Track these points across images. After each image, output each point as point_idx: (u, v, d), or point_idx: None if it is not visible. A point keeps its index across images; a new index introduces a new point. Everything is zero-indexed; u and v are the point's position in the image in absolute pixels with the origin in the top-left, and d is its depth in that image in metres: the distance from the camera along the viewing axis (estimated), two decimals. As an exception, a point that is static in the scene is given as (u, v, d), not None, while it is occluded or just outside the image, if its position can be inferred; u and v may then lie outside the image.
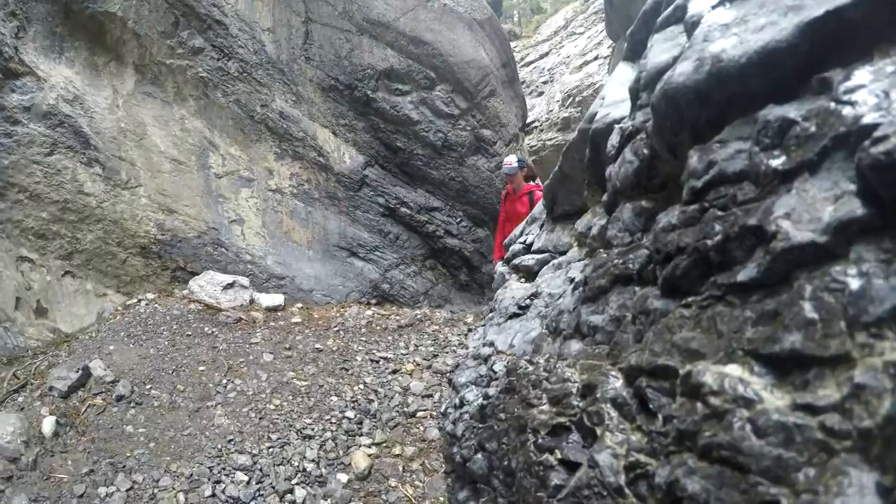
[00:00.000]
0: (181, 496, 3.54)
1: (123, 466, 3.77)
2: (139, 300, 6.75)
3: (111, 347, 5.46)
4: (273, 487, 3.63)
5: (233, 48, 7.33)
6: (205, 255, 7.44)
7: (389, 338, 6.46)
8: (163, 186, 7.23)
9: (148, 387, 4.81)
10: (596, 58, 18.05)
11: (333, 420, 4.47)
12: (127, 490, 3.57)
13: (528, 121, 14.29)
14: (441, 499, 3.58)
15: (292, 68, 7.75)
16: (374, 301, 8.01)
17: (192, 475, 3.66)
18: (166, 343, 5.72)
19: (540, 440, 1.75)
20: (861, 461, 0.87)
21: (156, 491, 3.62)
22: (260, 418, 4.42)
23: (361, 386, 5.11)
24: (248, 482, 3.68)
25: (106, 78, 6.92)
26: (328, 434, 4.26)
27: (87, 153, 6.59)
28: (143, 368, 5.11)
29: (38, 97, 6.08)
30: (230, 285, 6.95)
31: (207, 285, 6.90)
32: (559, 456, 1.64)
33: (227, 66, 7.37)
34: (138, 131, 7.08)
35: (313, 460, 3.94)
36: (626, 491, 1.33)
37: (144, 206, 7.13)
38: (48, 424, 4.06)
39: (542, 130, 17.92)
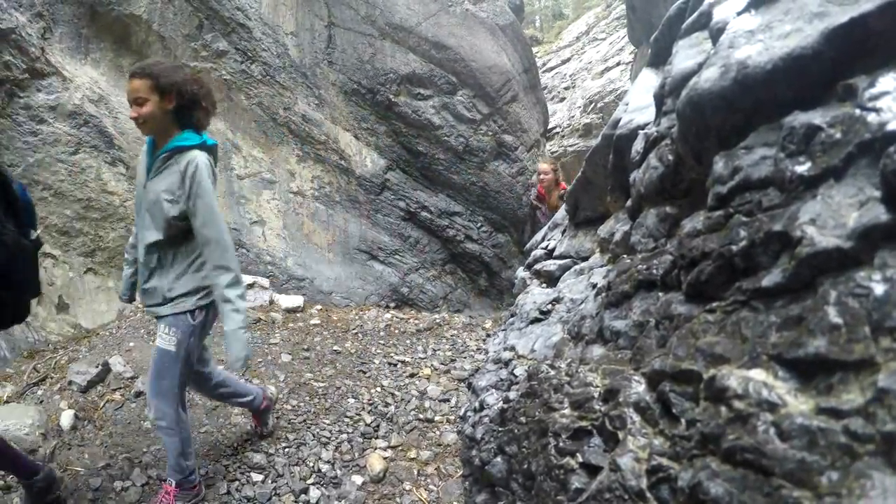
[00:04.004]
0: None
1: (140, 461, 3.80)
2: (160, 299, 6.81)
3: (131, 344, 5.52)
4: (288, 487, 3.64)
5: (256, 51, 7.40)
6: (226, 256, 7.48)
7: (408, 341, 6.48)
8: (185, 187, 7.28)
9: (168, 384, 4.85)
10: (618, 64, 18.02)
11: (349, 422, 4.48)
12: (142, 485, 3.59)
13: (550, 126, 14.29)
14: (455, 503, 3.58)
15: (315, 72, 7.81)
16: (392, 304, 8.03)
17: (207, 473, 3.68)
18: (186, 342, 5.76)
19: (561, 444, 1.76)
20: (884, 464, 0.87)
21: (172, 487, 3.65)
22: (276, 418, 4.43)
23: (378, 389, 5.12)
24: (264, 481, 3.69)
25: (131, 79, 6.99)
26: (344, 436, 4.27)
27: (111, 153, 6.67)
28: (163, 366, 5.15)
29: (63, 97, 6.15)
30: (250, 286, 6.99)
31: (228, 286, 6.94)
32: (580, 459, 1.64)
33: (250, 70, 7.43)
34: (162, 132, 7.14)
35: (328, 461, 3.95)
36: (648, 494, 1.33)
37: (167, 206, 7.19)
38: (66, 418, 4.10)
39: (563, 136, 17.90)
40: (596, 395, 1.73)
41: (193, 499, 3.35)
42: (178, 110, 2.86)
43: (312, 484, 3.73)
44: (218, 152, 3.15)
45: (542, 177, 7.02)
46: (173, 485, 3.26)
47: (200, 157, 2.82)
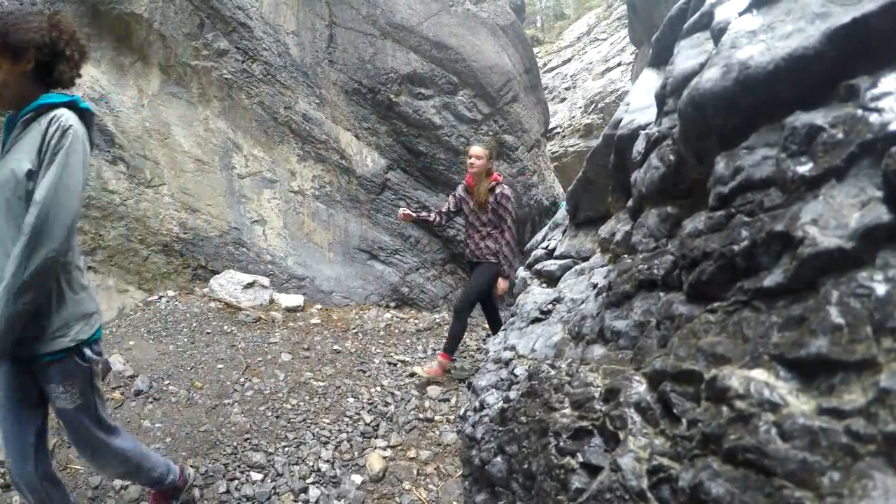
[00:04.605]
0: (196, 492, 3.54)
1: (140, 460, 3.80)
2: (160, 297, 6.82)
3: (131, 343, 5.52)
4: (288, 486, 3.64)
5: (257, 51, 7.40)
6: (226, 255, 7.50)
7: (408, 341, 6.48)
8: (186, 186, 7.29)
9: (166, 382, 4.84)
10: (619, 64, 18.05)
11: (349, 421, 4.48)
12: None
13: (551, 127, 14.29)
14: (454, 503, 3.58)
15: (316, 71, 7.80)
16: (393, 304, 8.03)
17: (206, 472, 3.67)
18: (185, 340, 5.76)
19: (561, 444, 1.76)
20: (886, 465, 0.87)
21: (171, 486, 3.65)
22: (276, 417, 4.43)
23: (378, 388, 5.12)
24: (263, 480, 3.69)
25: (132, 78, 7.00)
26: (344, 435, 4.26)
27: (112, 151, 6.69)
28: (161, 364, 5.14)
29: (65, 95, 6.15)
30: (250, 285, 6.99)
31: (228, 284, 6.95)
32: (581, 459, 1.64)
33: (251, 69, 7.43)
34: (163, 131, 7.16)
35: (328, 461, 3.95)
36: (649, 494, 1.33)
37: (167, 204, 7.21)
38: (68, 417, 4.09)
39: (564, 136, 17.93)
40: (596, 395, 1.73)
41: (180, 493, 3.21)
42: (38, 68, 2.21)
43: (312, 483, 3.72)
44: (94, 124, 2.43)
45: (472, 161, 5.55)
46: (154, 492, 3.09)
47: (68, 116, 2.15)
